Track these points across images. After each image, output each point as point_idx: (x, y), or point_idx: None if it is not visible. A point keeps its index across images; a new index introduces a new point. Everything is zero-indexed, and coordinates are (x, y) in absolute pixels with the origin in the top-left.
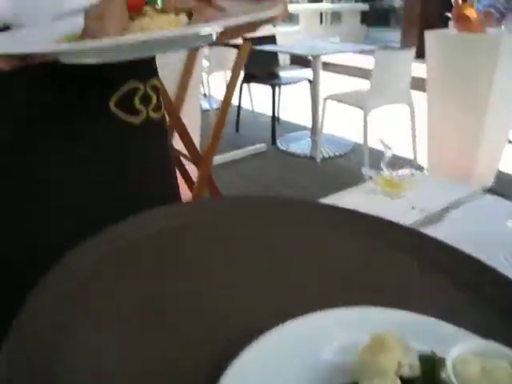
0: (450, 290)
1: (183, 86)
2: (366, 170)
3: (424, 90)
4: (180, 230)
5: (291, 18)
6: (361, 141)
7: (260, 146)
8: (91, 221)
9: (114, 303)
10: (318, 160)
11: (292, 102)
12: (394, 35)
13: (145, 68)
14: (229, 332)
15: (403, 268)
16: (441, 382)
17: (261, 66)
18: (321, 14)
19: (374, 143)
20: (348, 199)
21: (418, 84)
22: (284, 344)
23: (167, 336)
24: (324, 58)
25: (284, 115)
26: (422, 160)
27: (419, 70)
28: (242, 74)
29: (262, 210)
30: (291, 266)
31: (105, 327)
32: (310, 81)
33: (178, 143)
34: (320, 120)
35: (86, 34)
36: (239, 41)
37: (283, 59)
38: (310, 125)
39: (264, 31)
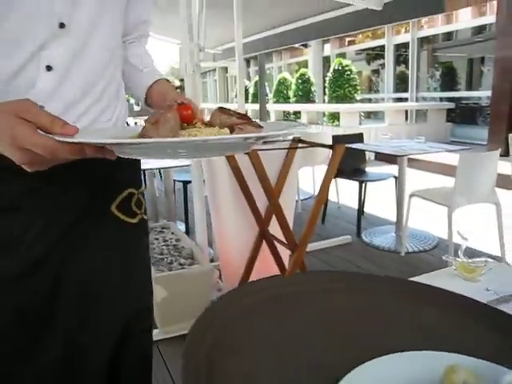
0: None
1: (283, 177)
2: (445, 257)
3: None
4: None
5: (377, 115)
6: (446, 236)
7: (345, 238)
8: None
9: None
10: (403, 254)
11: (377, 196)
12: (480, 133)
13: (136, 177)
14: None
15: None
16: None
17: (348, 163)
18: (406, 111)
19: (459, 240)
20: (429, 281)
21: (507, 181)
22: (380, 369)
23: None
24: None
25: (369, 209)
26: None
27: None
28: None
29: (355, 283)
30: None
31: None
32: (395, 177)
33: (271, 228)
34: (405, 215)
35: (142, 135)
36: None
37: (368, 154)
38: (394, 219)
39: (352, 129)
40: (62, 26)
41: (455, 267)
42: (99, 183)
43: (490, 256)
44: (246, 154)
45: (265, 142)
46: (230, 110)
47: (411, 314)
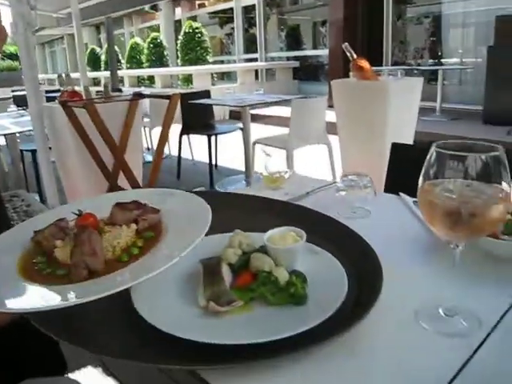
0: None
1: (126, 132)
2: (257, 174)
3: None
4: None
5: (230, 76)
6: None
7: (199, 190)
8: None
9: None
10: None
11: (228, 149)
12: (322, 88)
13: None
14: None
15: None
16: (263, 247)
17: (198, 119)
18: (256, 71)
19: (264, 157)
20: (248, 192)
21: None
22: None
23: None
24: (255, 111)
25: (222, 162)
26: None
27: None
28: (180, 126)
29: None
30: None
31: None
32: (241, 129)
33: (120, 182)
34: (251, 162)
35: (78, 271)
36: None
37: (222, 114)
38: (244, 168)
39: (201, 86)
40: None
41: (263, 180)
42: None
43: None
44: (83, 108)
45: (106, 98)
46: (125, 203)
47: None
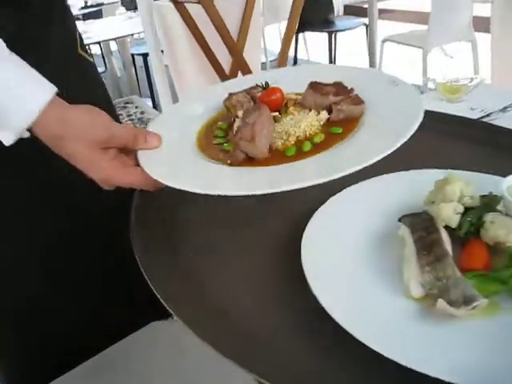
0: None
1: (244, 29)
2: (429, 79)
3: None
4: None
5: None
6: (419, 82)
7: None
8: None
9: None
10: None
11: (348, 48)
12: None
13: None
14: None
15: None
16: (499, 200)
17: (316, 14)
18: None
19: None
20: None
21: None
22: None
23: None
24: (380, 5)
25: (340, 61)
26: None
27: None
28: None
29: None
30: None
31: None
32: (366, 25)
33: None
34: (378, 63)
35: (236, 153)
36: None
37: (337, 8)
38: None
39: None
40: None
41: (437, 89)
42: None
43: None
44: (198, 3)
45: None
46: (323, 85)
47: None
